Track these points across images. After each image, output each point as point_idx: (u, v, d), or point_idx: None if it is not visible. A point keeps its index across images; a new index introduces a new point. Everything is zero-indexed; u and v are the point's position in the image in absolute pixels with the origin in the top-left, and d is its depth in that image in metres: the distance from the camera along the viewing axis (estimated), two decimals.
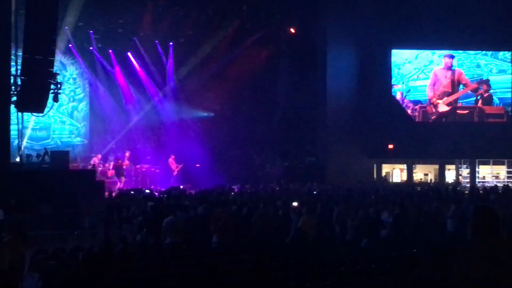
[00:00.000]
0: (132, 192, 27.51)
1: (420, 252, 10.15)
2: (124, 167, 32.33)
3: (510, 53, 38.10)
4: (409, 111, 37.69)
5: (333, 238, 17.34)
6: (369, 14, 35.66)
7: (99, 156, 32.78)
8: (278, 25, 36.93)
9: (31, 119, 31.68)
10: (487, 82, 37.95)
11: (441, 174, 38.46)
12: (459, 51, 37.94)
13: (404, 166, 39.10)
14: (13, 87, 23.47)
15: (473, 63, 38.05)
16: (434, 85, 37.69)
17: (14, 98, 23.45)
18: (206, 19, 35.09)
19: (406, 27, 35.76)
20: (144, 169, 33.50)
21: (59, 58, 31.34)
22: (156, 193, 26.75)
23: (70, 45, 33.48)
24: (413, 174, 38.79)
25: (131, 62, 35.37)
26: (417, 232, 16.93)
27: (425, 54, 38.02)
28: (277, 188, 29.50)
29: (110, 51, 34.83)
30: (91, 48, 34.41)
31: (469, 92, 37.90)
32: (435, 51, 37.88)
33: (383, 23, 35.80)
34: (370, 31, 36.06)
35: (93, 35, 33.89)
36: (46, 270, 12.91)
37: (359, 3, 35.55)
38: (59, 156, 26.32)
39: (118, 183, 31.47)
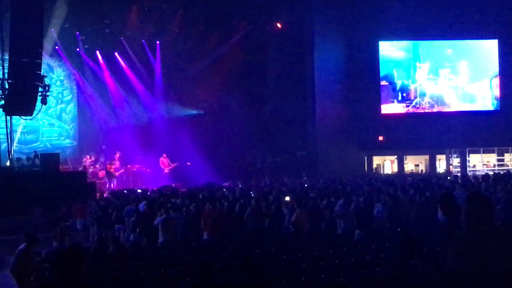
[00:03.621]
0: (124, 192, 27.42)
1: (414, 242, 10.16)
2: (114, 167, 32.27)
3: (497, 41, 38.17)
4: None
5: (326, 231, 17.36)
6: (355, 6, 35.76)
7: (88, 156, 32.64)
8: (265, 20, 36.92)
9: (19, 123, 31.50)
10: None
11: (432, 164, 38.57)
12: (445, 40, 38.04)
13: (395, 158, 39.17)
14: (0, 91, 23.39)
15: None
16: None
17: (2, 102, 23.40)
18: (192, 17, 35.03)
19: (393, 18, 35.77)
20: (135, 169, 33.39)
21: (46, 60, 31.19)
22: (148, 193, 26.70)
23: (57, 47, 33.39)
24: (404, 165, 38.85)
25: (119, 62, 35.27)
26: (410, 222, 16.95)
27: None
28: (269, 183, 29.49)
29: (97, 51, 34.79)
30: (78, 49, 34.33)
31: None
32: (421, 41, 37.98)
33: (369, 15, 35.89)
34: (357, 23, 36.17)
35: (79, 36, 33.81)
36: (40, 273, 12.89)
37: None
38: (50, 159, 26.24)
39: (108, 184, 31.41)
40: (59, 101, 35.03)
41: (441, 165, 39.08)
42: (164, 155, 33.72)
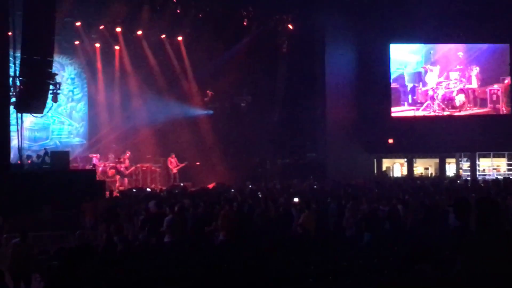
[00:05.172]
0: (133, 191, 27.45)
1: (422, 247, 10.12)
2: (124, 166, 32.33)
3: (509, 45, 38.02)
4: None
5: (335, 233, 17.34)
6: (367, 8, 35.65)
7: (98, 155, 32.70)
8: (276, 21, 36.88)
9: (29, 120, 31.47)
10: None
11: (441, 168, 38.44)
12: (456, 44, 37.92)
13: (404, 161, 39.06)
14: (12, 89, 23.47)
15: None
16: None
17: (13, 99, 23.46)
18: (204, 17, 35.02)
19: (405, 21, 35.63)
20: (144, 168, 33.44)
21: (57, 58, 31.22)
22: (157, 192, 26.71)
23: (68, 45, 33.45)
24: (414, 169, 38.74)
25: (130, 61, 35.29)
26: (419, 226, 16.92)
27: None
28: (278, 185, 29.45)
29: (109, 50, 34.86)
30: (88, 47, 34.38)
31: None
32: (434, 44, 37.88)
33: (381, 17, 35.76)
34: (369, 25, 36.00)
35: (91, 34, 33.87)
36: (48, 271, 12.91)
37: None
38: (59, 157, 26.28)
39: (118, 183, 31.50)
40: (70, 99, 35.12)
41: (450, 169, 38.95)
42: (173, 155, 33.74)
